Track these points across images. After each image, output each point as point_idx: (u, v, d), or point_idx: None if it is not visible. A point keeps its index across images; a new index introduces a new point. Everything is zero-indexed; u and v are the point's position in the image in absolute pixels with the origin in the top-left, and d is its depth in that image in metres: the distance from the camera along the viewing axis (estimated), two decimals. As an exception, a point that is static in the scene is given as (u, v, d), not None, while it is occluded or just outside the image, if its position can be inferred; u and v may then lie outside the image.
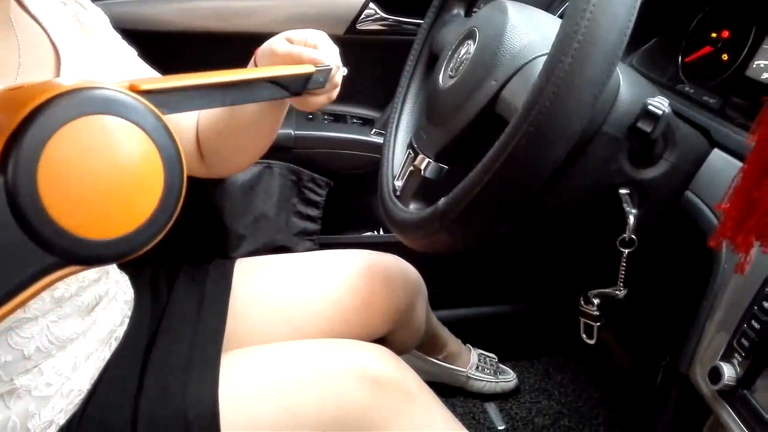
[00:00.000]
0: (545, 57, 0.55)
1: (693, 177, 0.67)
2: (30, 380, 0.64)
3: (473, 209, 0.57)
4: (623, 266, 0.63)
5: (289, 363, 0.74)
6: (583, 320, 0.66)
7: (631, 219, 0.62)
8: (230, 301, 0.85)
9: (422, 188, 0.74)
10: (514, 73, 0.64)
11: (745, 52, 0.78)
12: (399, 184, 0.78)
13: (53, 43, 0.68)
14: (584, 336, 0.68)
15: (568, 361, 1.34)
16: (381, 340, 0.95)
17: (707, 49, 0.84)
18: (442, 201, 0.62)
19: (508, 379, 1.29)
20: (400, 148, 0.83)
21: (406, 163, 0.76)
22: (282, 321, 0.87)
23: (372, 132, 1.23)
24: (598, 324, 0.66)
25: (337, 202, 1.28)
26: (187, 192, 0.89)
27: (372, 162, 1.19)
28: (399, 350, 1.09)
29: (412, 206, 0.75)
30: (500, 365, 1.30)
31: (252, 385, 0.72)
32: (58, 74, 0.67)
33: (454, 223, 0.62)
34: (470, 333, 1.31)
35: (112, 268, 0.79)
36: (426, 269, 1.04)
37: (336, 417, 0.71)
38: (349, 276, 0.92)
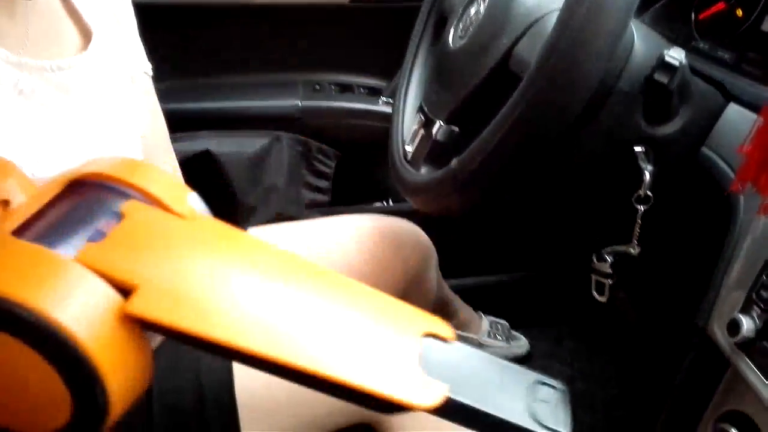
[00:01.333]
0: (557, 12, 0.54)
1: (709, 132, 0.66)
2: None
3: (488, 166, 0.57)
4: (638, 224, 0.62)
5: None
6: (595, 278, 0.66)
7: (647, 176, 0.62)
8: None
9: (433, 152, 0.73)
10: (526, 30, 0.63)
11: (760, 7, 0.76)
12: (410, 148, 0.78)
13: (76, 13, 0.66)
14: (596, 294, 0.68)
15: (579, 327, 1.34)
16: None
17: (721, 5, 0.82)
18: (455, 161, 0.62)
19: (520, 344, 1.29)
20: (410, 113, 0.82)
21: (417, 128, 0.76)
22: None
23: (380, 101, 1.22)
24: (610, 281, 0.66)
25: (347, 174, 1.28)
26: (197, 165, 0.89)
27: (381, 132, 1.18)
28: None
29: (424, 170, 0.74)
30: (512, 331, 1.30)
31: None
32: (85, 48, 0.66)
33: (468, 182, 0.61)
34: (481, 301, 1.31)
35: None
36: (436, 237, 1.04)
37: None
38: (360, 240, 0.91)
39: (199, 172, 0.86)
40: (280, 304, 0.36)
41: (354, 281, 0.40)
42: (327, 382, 0.33)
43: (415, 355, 0.35)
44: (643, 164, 0.63)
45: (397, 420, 0.71)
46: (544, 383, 0.37)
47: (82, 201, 0.39)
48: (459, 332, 1.25)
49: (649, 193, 0.61)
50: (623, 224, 0.64)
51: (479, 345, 1.26)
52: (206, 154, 1.09)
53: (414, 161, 0.76)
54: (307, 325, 0.35)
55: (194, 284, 0.35)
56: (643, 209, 0.62)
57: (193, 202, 0.41)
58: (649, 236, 0.63)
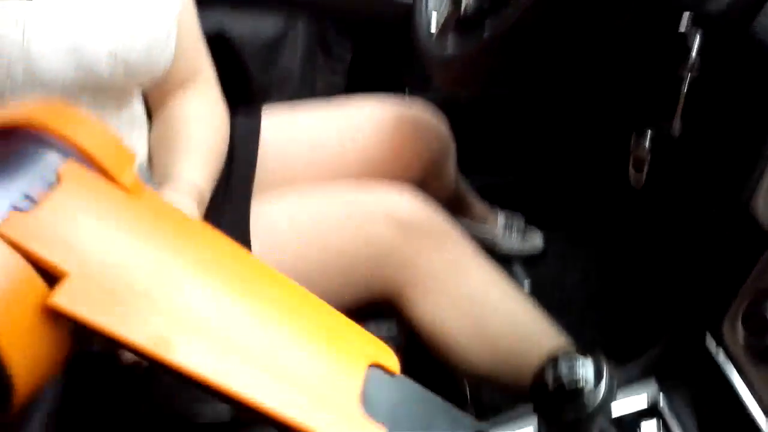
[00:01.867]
0: None
1: (763, 4, 0.61)
2: None
3: (524, 33, 0.53)
4: (683, 98, 0.58)
5: (319, 204, 0.73)
6: (632, 156, 0.63)
7: (695, 47, 0.57)
8: (259, 149, 0.83)
9: (463, 21, 0.69)
10: None
11: None
12: (436, 18, 0.73)
13: None
14: (632, 175, 0.65)
15: (601, 226, 1.32)
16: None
17: None
18: (487, 30, 0.58)
19: (536, 241, 1.28)
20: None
21: (446, -4, 0.70)
22: (311, 166, 0.85)
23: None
24: (647, 163, 0.63)
25: (363, 63, 1.23)
26: (210, 46, 0.84)
27: (401, 13, 1.12)
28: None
29: (451, 41, 0.70)
30: (529, 226, 1.29)
31: (282, 226, 0.71)
32: None
33: (501, 52, 0.57)
34: (498, 198, 1.29)
35: (137, 100, 0.75)
36: (455, 132, 1.00)
37: (366, 257, 0.71)
38: (378, 126, 0.88)
39: (213, 53, 0.82)
40: (223, 318, 0.32)
41: (310, 295, 0.37)
42: (258, 411, 0.30)
43: (357, 388, 0.32)
44: (690, 34, 0.58)
45: (423, 258, 0.71)
46: None
47: (10, 154, 0.32)
48: (473, 225, 1.24)
49: (695, 62, 0.57)
50: (666, 101, 0.60)
51: (493, 242, 1.26)
52: (220, 36, 1.05)
53: (441, 33, 0.72)
54: (247, 346, 0.32)
55: (133, 281, 0.30)
56: (689, 79, 0.58)
57: (140, 172, 0.36)
58: (693, 114, 0.60)
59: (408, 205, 0.74)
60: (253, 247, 0.69)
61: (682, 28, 0.58)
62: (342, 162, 0.86)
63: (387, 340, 0.67)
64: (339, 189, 0.76)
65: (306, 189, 0.78)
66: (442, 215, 0.77)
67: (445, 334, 0.72)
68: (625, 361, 0.80)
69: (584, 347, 0.35)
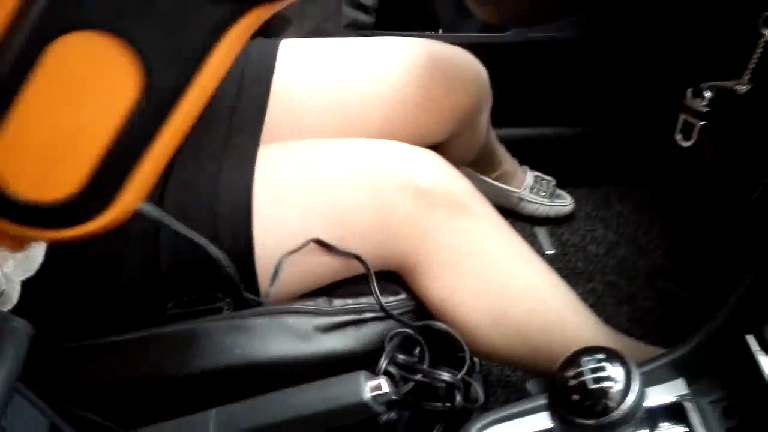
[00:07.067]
0: None
1: None
2: None
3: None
4: (758, 54, 0.50)
5: (329, 161, 0.65)
6: (683, 117, 0.55)
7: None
8: (272, 87, 0.75)
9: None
10: None
11: None
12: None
13: None
14: (680, 138, 0.57)
15: (633, 190, 1.24)
16: (435, 147, 0.86)
17: None
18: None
19: (565, 203, 1.21)
20: None
21: None
22: (330, 113, 0.77)
23: None
24: (701, 123, 0.55)
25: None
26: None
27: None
28: (454, 160, 1.00)
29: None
30: (558, 189, 1.21)
31: (289, 179, 0.64)
32: None
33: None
34: (529, 154, 1.21)
35: None
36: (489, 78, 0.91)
37: (378, 226, 0.63)
38: (411, 66, 0.79)
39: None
40: None
41: None
42: None
43: None
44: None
45: (438, 230, 0.64)
46: None
47: None
48: (499, 183, 1.16)
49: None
50: (735, 56, 0.52)
51: (518, 203, 1.18)
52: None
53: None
54: None
55: None
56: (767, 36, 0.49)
57: None
58: (766, 74, 0.51)
59: (428, 172, 0.64)
60: (256, 195, 0.62)
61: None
62: (366, 103, 0.78)
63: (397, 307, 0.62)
64: (354, 147, 0.67)
65: (319, 143, 0.69)
66: (465, 185, 0.67)
67: (460, 317, 0.64)
68: (645, 343, 0.74)
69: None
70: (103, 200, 0.31)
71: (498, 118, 1.02)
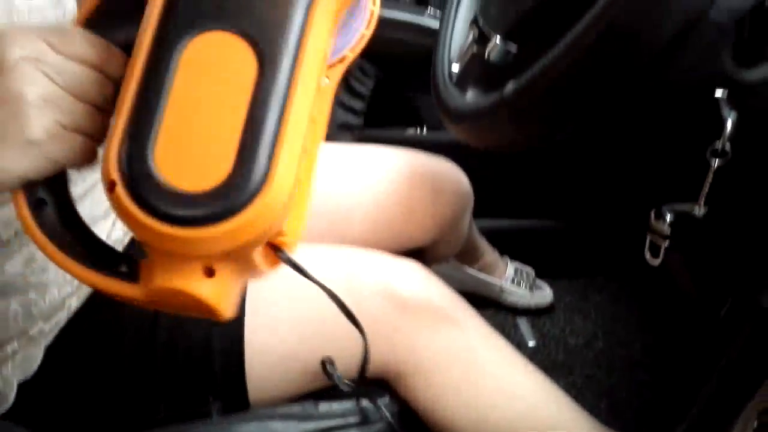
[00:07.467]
0: None
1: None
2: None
3: (553, 95, 0.49)
4: (709, 180, 0.55)
5: (316, 273, 0.68)
6: (650, 237, 0.59)
7: (728, 125, 0.54)
8: None
9: (484, 73, 0.65)
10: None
11: None
12: (457, 68, 0.70)
13: None
14: (648, 255, 0.61)
15: (609, 283, 1.28)
16: (419, 248, 0.89)
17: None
18: (510, 85, 0.54)
19: (544, 295, 1.24)
20: (460, 26, 0.73)
21: (468, 43, 0.67)
22: (319, 218, 0.80)
23: (428, 12, 1.11)
24: (666, 243, 0.59)
25: (382, 95, 1.20)
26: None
27: (424, 51, 1.09)
28: (436, 259, 1.03)
29: (471, 94, 0.67)
30: (537, 280, 1.24)
31: (277, 287, 0.66)
32: None
33: (523, 112, 0.54)
34: (509, 245, 1.25)
35: None
36: (468, 173, 0.96)
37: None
38: (394, 179, 0.83)
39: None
40: None
41: None
42: None
43: None
44: (724, 112, 0.54)
45: (421, 342, 0.66)
46: None
47: None
48: (481, 275, 1.19)
49: (727, 146, 0.53)
50: (690, 180, 0.57)
51: (500, 294, 1.21)
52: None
53: (461, 83, 0.68)
54: None
55: None
56: (717, 164, 0.54)
57: None
58: (719, 197, 0.56)
59: (409, 283, 0.67)
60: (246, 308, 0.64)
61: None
62: (354, 209, 0.81)
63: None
64: (339, 257, 0.70)
65: (304, 251, 0.72)
66: (448, 294, 0.69)
67: (446, 423, 0.66)
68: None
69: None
70: (259, 177, 0.33)
71: (479, 209, 1.07)
